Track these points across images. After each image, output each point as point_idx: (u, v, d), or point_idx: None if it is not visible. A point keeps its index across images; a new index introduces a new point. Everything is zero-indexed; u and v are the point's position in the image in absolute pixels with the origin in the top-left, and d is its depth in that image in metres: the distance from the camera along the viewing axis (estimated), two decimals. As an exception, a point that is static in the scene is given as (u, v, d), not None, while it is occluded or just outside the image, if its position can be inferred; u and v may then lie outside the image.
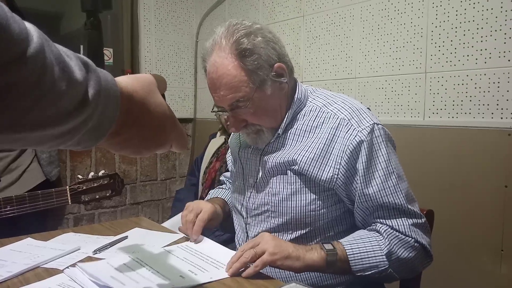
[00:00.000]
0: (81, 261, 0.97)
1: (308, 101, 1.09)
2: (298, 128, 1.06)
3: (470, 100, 1.56)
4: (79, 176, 1.41)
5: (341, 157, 0.98)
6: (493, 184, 1.49)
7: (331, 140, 1.00)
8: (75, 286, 0.82)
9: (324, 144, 1.00)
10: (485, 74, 1.51)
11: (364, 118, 1.00)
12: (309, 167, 0.99)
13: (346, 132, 0.99)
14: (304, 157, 1.00)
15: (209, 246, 1.05)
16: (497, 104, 1.49)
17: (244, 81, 0.98)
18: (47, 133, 0.42)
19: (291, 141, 1.06)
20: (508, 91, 1.46)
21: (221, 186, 1.41)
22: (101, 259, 0.97)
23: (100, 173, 1.45)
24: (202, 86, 3.02)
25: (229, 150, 1.36)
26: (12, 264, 0.92)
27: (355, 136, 0.97)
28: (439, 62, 1.64)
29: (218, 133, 2.13)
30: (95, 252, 1.02)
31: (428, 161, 1.67)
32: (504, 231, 1.47)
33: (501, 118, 1.48)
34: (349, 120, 1.00)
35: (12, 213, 1.27)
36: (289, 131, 1.07)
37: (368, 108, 1.08)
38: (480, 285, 1.53)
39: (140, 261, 0.93)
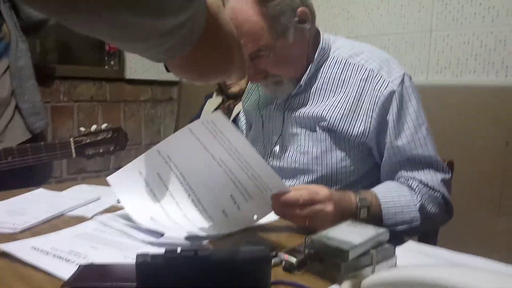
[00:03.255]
0: (106, 209, 0.91)
1: (331, 52, 1.05)
2: (323, 82, 1.02)
3: (475, 59, 1.58)
4: (81, 128, 1.33)
5: (372, 109, 0.95)
6: (495, 141, 1.53)
7: (361, 93, 0.97)
8: (113, 231, 0.77)
9: (354, 98, 0.97)
10: (491, 32, 1.53)
11: (394, 68, 0.98)
12: (339, 123, 0.97)
13: (377, 84, 0.96)
14: (333, 113, 0.97)
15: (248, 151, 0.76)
16: (503, 63, 1.51)
17: (265, 28, 0.93)
18: (160, 26, 0.37)
19: (317, 96, 1.02)
20: (514, 49, 1.48)
21: None
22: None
23: (103, 126, 1.37)
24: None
25: (240, 118, 1.30)
26: (34, 212, 0.85)
27: (386, 87, 0.95)
28: (445, 20, 1.64)
29: (215, 93, 2.06)
30: (119, 201, 0.96)
31: (431, 120, 1.68)
32: (503, 186, 1.53)
33: (506, 76, 1.51)
34: (378, 70, 0.97)
35: (14, 164, 1.18)
36: (314, 85, 1.03)
37: None
38: (478, 240, 1.59)
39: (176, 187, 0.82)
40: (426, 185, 0.93)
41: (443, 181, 0.95)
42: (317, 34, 1.05)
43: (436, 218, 0.95)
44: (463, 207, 1.62)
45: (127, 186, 0.84)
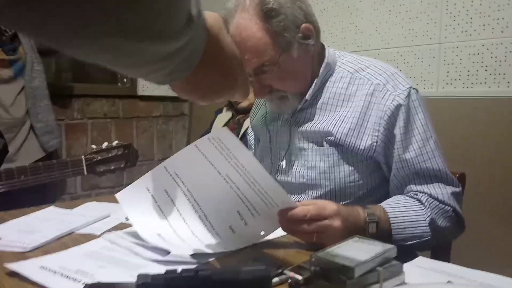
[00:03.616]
0: (115, 227, 0.92)
1: (337, 66, 1.05)
2: (329, 97, 1.02)
3: (486, 70, 1.56)
4: (93, 146, 1.35)
5: (379, 123, 0.95)
6: (508, 153, 1.50)
7: (367, 107, 0.97)
8: (120, 249, 0.78)
9: (360, 112, 0.97)
10: (501, 43, 1.51)
11: (400, 82, 0.98)
12: (346, 138, 0.96)
13: (383, 98, 0.96)
14: (340, 128, 0.97)
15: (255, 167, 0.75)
16: (514, 73, 1.49)
17: (269, 44, 0.93)
18: (161, 50, 0.38)
19: (323, 111, 1.02)
20: (525, 59, 1.47)
21: None
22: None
23: (114, 143, 1.39)
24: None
25: (248, 133, 1.31)
26: (45, 230, 0.86)
27: (392, 100, 0.95)
28: (454, 32, 1.63)
29: (225, 109, 2.08)
30: (127, 218, 0.97)
31: (442, 132, 1.67)
32: None
33: (518, 87, 1.49)
34: (384, 85, 0.97)
35: (27, 183, 1.20)
36: (319, 100, 1.03)
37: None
38: (493, 254, 1.55)
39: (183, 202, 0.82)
40: (436, 198, 0.92)
41: (453, 194, 0.93)
42: (322, 49, 1.05)
43: (447, 232, 0.93)
44: (477, 220, 1.59)
45: (135, 202, 0.85)
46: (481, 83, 1.58)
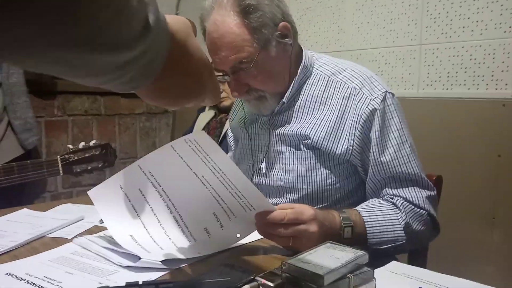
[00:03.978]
0: (87, 230, 0.90)
1: (314, 69, 1.05)
2: (306, 99, 1.02)
3: (465, 72, 1.57)
4: (69, 146, 1.33)
5: (355, 127, 0.95)
6: (486, 154, 1.52)
7: (344, 111, 0.97)
8: (91, 254, 0.76)
9: (337, 116, 0.97)
10: (480, 46, 1.53)
11: (376, 86, 0.98)
12: (323, 141, 0.96)
13: (358, 101, 0.96)
14: (317, 132, 0.97)
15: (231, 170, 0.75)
16: (492, 76, 1.51)
17: (247, 40, 0.92)
18: (113, 61, 0.36)
19: (300, 113, 1.02)
20: (503, 62, 1.48)
21: None
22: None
23: (91, 143, 1.37)
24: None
25: (228, 134, 1.30)
26: (14, 234, 0.84)
27: (368, 104, 0.95)
28: (434, 33, 1.64)
29: (207, 107, 2.06)
30: (101, 221, 0.95)
31: (422, 133, 1.68)
32: (496, 199, 1.51)
33: (496, 89, 1.50)
34: (360, 89, 0.97)
35: (0, 184, 1.17)
36: (297, 103, 1.02)
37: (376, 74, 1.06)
38: (473, 254, 1.58)
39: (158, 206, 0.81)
40: (411, 202, 0.92)
41: (428, 198, 0.94)
42: (300, 51, 1.05)
43: (422, 236, 0.94)
44: (457, 221, 1.61)
45: (108, 200, 0.83)
46: (460, 84, 1.59)
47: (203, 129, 1.97)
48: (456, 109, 1.59)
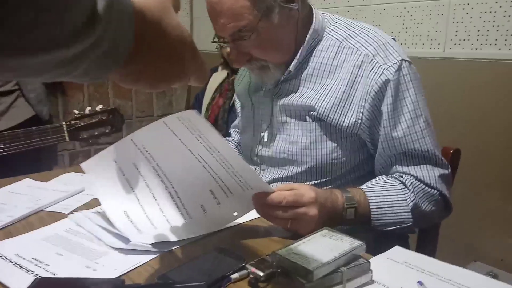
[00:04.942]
0: (86, 204, 0.89)
1: (325, 33, 0.96)
2: (315, 67, 0.94)
3: (497, 30, 1.44)
4: (75, 111, 1.30)
5: (365, 99, 0.88)
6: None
7: (354, 81, 0.89)
8: (84, 232, 0.75)
9: (346, 86, 0.89)
10: (517, 1, 1.38)
11: (391, 54, 0.89)
12: (329, 113, 0.89)
13: (371, 71, 0.87)
14: (324, 103, 0.90)
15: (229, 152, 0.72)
16: (528, 35, 1.37)
17: (247, 7, 0.84)
18: (51, 59, 0.32)
19: (308, 82, 0.94)
20: (541, 19, 1.34)
21: (227, 138, 1.30)
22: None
23: (98, 108, 1.34)
24: (199, 15, 2.81)
25: (235, 99, 1.24)
26: (13, 208, 0.84)
27: (381, 74, 0.86)
28: (466, -13, 1.49)
29: (220, 67, 1.99)
30: (101, 194, 0.94)
31: (448, 97, 1.58)
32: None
33: (531, 50, 1.37)
34: (373, 56, 0.88)
35: (5, 151, 1.17)
36: (305, 71, 0.95)
37: (393, 38, 0.96)
38: (492, 226, 1.52)
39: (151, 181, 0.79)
40: (422, 181, 0.86)
41: (442, 177, 0.87)
42: (310, 13, 0.96)
43: (432, 216, 0.89)
44: (479, 188, 1.53)
45: (102, 174, 0.80)
46: (491, 44, 1.46)
47: (216, 90, 1.91)
48: (485, 71, 1.47)
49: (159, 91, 0.57)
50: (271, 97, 0.99)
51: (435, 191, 0.87)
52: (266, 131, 1.01)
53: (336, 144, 0.92)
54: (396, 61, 0.87)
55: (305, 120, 0.93)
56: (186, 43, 0.47)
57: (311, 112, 0.92)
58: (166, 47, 0.45)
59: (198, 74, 0.51)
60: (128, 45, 0.39)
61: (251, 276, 0.61)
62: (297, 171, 0.96)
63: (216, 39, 0.94)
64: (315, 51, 0.95)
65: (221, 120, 1.79)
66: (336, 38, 0.94)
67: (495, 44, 1.44)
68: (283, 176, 0.98)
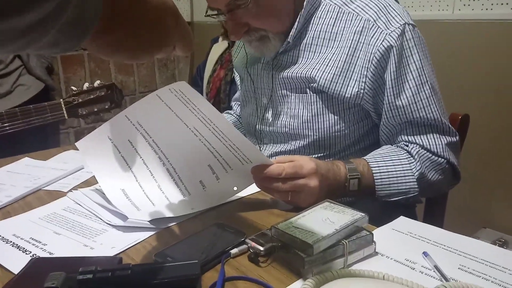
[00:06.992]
0: (85, 182, 0.88)
1: None
2: (314, 36, 0.90)
3: (510, -12, 1.36)
4: (72, 87, 1.28)
5: (367, 67, 0.84)
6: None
7: (355, 49, 0.85)
8: (82, 210, 0.74)
9: (347, 55, 0.85)
10: (531, -45, 1.30)
11: (394, 18, 0.84)
12: (330, 84, 0.86)
13: (372, 37, 0.83)
14: (324, 73, 0.86)
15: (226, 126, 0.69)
16: (542, -8, 1.30)
17: None
18: (10, 26, 0.29)
19: (307, 53, 0.90)
20: (557, -25, 1.26)
21: (229, 111, 1.27)
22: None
23: (96, 84, 1.32)
24: (198, -16, 2.72)
25: (235, 72, 1.20)
26: (11, 188, 0.83)
27: (383, 40, 0.82)
28: None
29: (220, 38, 1.94)
30: (100, 171, 0.93)
31: (457, 61, 1.52)
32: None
33: (545, 8, 1.30)
34: (374, 21, 0.84)
35: (4, 130, 1.16)
36: (303, 40, 0.90)
37: (396, 0, 0.91)
38: (499, 187, 1.49)
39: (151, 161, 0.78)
40: (428, 150, 0.83)
41: (449, 145, 0.84)
42: None
43: (439, 185, 0.86)
44: (491, 157, 1.50)
45: (97, 152, 0.79)
46: (502, 4, 1.39)
47: (216, 62, 1.87)
48: (496, 33, 1.41)
49: (142, 62, 0.54)
50: (270, 70, 0.95)
51: (443, 159, 0.84)
52: (267, 106, 0.98)
53: (338, 117, 0.89)
54: (399, 25, 0.82)
55: (306, 92, 0.90)
56: (168, 9, 0.44)
57: (312, 84, 0.88)
58: (146, 14, 0.42)
59: (183, 43, 0.48)
60: (97, 12, 0.36)
61: (251, 251, 0.60)
62: (300, 145, 0.93)
63: (209, 12, 0.89)
64: (313, 19, 0.90)
65: (223, 93, 1.75)
66: (335, 3, 0.89)
67: (507, 4, 1.37)
68: (286, 150, 0.96)
